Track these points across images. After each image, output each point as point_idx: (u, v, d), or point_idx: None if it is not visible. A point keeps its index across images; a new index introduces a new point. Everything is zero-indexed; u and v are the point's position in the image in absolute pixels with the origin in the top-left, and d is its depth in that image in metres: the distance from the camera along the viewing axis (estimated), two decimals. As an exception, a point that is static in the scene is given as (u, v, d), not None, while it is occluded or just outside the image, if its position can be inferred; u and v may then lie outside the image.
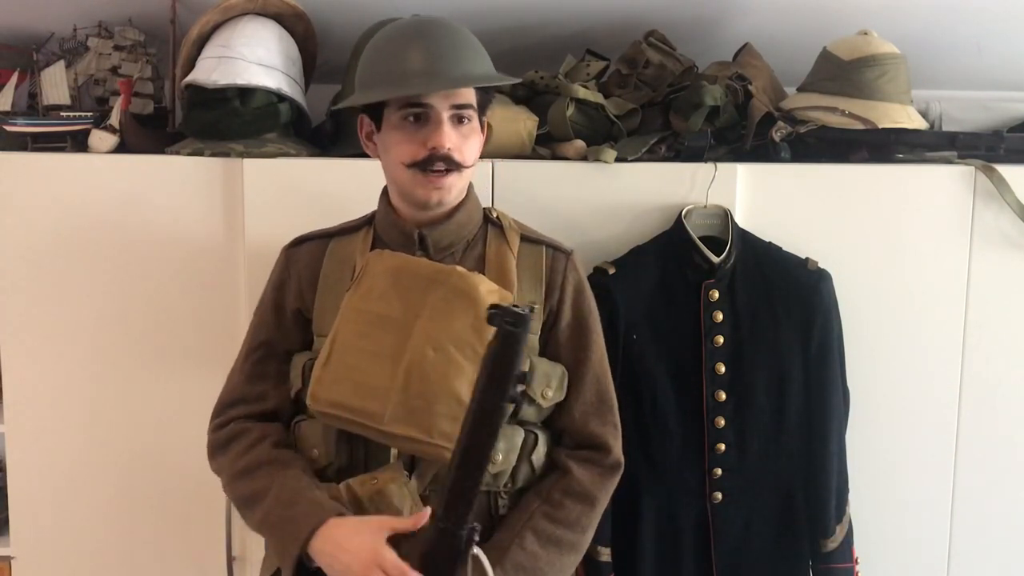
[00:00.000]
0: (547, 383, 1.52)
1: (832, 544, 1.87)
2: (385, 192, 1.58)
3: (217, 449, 1.57)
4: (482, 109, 1.51)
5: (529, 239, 1.59)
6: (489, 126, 1.56)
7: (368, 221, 1.61)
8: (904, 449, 2.00)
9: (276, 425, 1.57)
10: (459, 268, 1.47)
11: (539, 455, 1.53)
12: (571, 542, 1.51)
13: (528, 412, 1.52)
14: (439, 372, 1.41)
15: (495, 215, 1.60)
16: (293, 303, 1.59)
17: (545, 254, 1.58)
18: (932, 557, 2.04)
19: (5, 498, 2.00)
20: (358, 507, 1.44)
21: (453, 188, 1.48)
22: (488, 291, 1.45)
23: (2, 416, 1.98)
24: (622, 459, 1.58)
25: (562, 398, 1.55)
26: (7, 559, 1.98)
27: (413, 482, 1.45)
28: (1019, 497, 2.04)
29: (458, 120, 1.46)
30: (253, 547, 1.94)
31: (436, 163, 1.44)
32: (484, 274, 1.51)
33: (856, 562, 1.90)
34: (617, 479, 1.58)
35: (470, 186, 1.58)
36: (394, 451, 1.46)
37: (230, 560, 1.92)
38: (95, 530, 1.98)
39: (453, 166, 1.45)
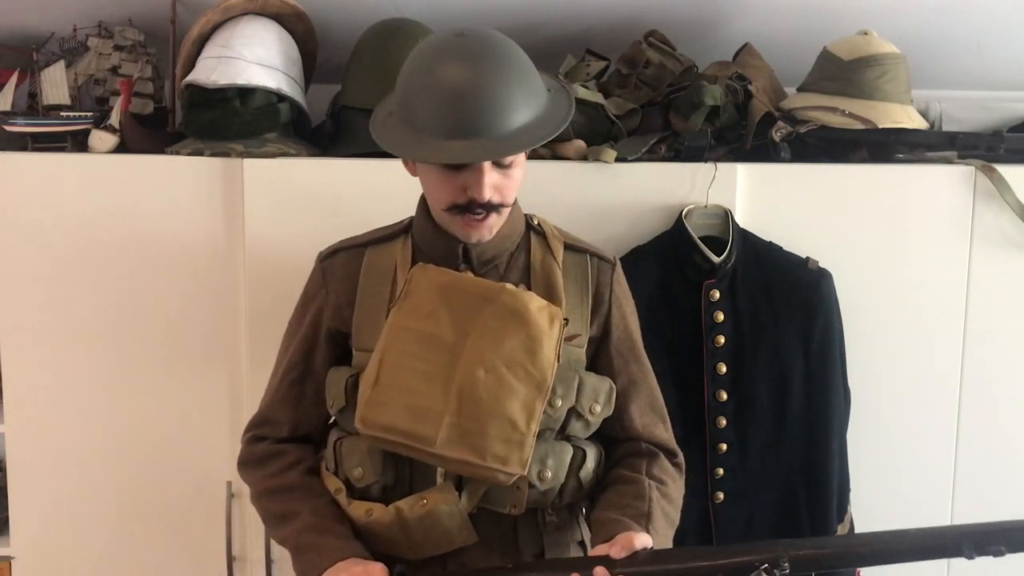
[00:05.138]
0: (595, 398, 1.49)
1: (833, 544, 1.87)
2: (424, 202, 1.51)
3: (249, 464, 1.56)
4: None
5: (573, 247, 1.55)
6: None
7: (404, 229, 1.54)
8: (904, 448, 2.00)
9: (310, 448, 1.57)
10: (509, 286, 1.43)
11: (587, 471, 1.49)
12: (673, 519, 1.51)
13: (576, 427, 1.49)
14: (491, 394, 1.38)
15: (536, 222, 1.56)
16: (331, 322, 1.52)
17: (590, 264, 1.55)
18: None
19: (5, 498, 2.00)
20: (405, 529, 1.42)
21: (495, 227, 1.44)
22: (539, 308, 1.42)
23: (2, 416, 1.97)
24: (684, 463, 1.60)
25: (610, 413, 1.51)
26: (7, 559, 1.98)
27: (463, 502, 1.42)
28: (1019, 497, 2.04)
29: (500, 163, 1.39)
30: (253, 547, 1.94)
31: (476, 209, 1.39)
32: (530, 285, 1.49)
33: (857, 562, 1.90)
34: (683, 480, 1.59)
35: None
36: (440, 470, 1.43)
37: (230, 560, 1.92)
38: (95, 530, 1.98)
39: (494, 209, 1.41)
